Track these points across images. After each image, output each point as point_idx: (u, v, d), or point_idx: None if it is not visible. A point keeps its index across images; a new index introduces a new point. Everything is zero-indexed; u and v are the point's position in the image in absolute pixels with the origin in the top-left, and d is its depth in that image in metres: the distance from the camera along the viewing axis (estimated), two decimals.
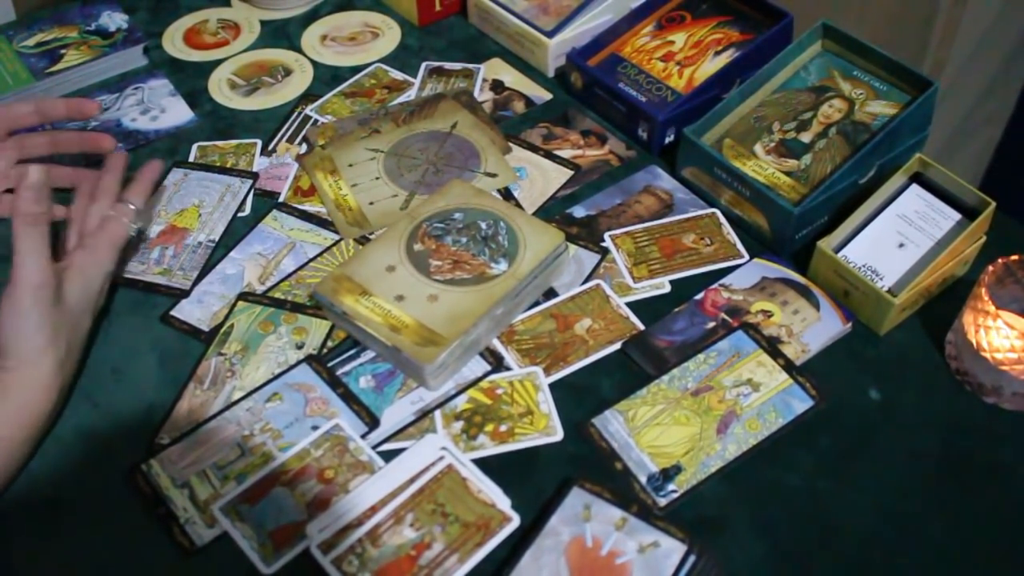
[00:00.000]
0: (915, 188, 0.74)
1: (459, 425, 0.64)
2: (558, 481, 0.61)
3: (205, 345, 0.70)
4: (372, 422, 0.64)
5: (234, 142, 0.88)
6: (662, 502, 0.60)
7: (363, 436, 0.63)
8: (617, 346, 0.69)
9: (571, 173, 0.83)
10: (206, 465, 0.62)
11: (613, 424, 0.64)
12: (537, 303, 0.72)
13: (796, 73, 0.82)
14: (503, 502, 0.59)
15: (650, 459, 0.62)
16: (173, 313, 0.72)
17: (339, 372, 0.67)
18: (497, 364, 0.68)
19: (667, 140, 0.85)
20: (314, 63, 0.97)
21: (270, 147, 0.87)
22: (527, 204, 0.81)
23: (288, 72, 0.96)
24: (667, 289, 0.73)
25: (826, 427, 0.64)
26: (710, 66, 0.87)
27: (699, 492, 0.60)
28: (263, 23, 1.03)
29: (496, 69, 0.96)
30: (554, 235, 0.71)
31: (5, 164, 0.77)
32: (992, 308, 0.62)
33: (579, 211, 0.80)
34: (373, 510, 0.59)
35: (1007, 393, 0.64)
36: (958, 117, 1.40)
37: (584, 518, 0.58)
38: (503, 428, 0.64)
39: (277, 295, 0.73)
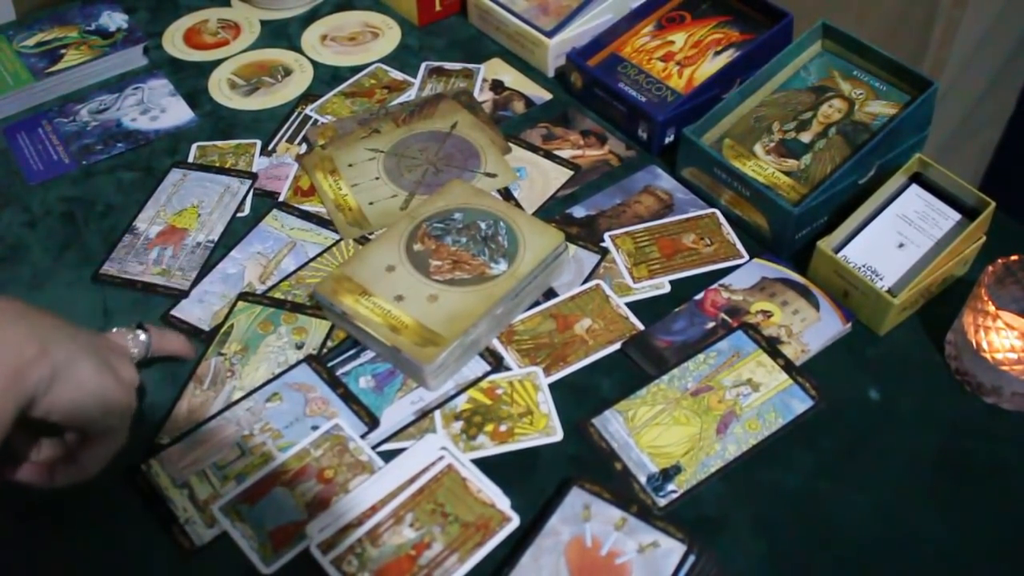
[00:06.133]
0: (915, 188, 0.74)
1: (459, 425, 0.64)
2: (558, 481, 0.61)
3: (205, 345, 0.70)
4: (372, 422, 0.64)
5: (234, 142, 0.88)
6: (662, 502, 0.60)
7: (363, 436, 0.63)
8: (617, 346, 0.69)
9: (571, 173, 0.83)
10: (206, 465, 0.62)
11: (613, 424, 0.64)
12: (537, 303, 0.72)
13: (796, 73, 0.82)
14: (503, 502, 0.59)
15: (650, 459, 0.62)
16: (173, 313, 0.72)
17: (339, 372, 0.67)
18: (497, 364, 0.68)
19: (667, 140, 0.85)
20: (314, 63, 0.97)
21: (270, 147, 0.87)
22: (527, 204, 0.81)
23: (288, 72, 0.96)
24: (667, 289, 0.73)
25: (826, 427, 0.64)
26: (710, 66, 0.87)
27: (699, 492, 0.60)
28: (263, 23, 1.03)
29: (496, 69, 0.96)
30: (554, 235, 0.71)
31: None
32: (992, 308, 0.62)
33: (579, 211, 0.80)
34: (373, 510, 0.59)
35: (1007, 393, 0.64)
36: (958, 117, 1.39)
37: (584, 518, 0.58)
38: (503, 428, 0.64)
39: (277, 295, 0.73)
